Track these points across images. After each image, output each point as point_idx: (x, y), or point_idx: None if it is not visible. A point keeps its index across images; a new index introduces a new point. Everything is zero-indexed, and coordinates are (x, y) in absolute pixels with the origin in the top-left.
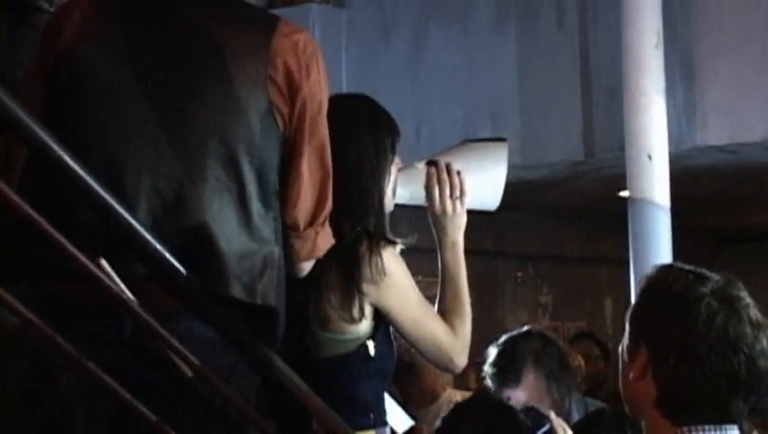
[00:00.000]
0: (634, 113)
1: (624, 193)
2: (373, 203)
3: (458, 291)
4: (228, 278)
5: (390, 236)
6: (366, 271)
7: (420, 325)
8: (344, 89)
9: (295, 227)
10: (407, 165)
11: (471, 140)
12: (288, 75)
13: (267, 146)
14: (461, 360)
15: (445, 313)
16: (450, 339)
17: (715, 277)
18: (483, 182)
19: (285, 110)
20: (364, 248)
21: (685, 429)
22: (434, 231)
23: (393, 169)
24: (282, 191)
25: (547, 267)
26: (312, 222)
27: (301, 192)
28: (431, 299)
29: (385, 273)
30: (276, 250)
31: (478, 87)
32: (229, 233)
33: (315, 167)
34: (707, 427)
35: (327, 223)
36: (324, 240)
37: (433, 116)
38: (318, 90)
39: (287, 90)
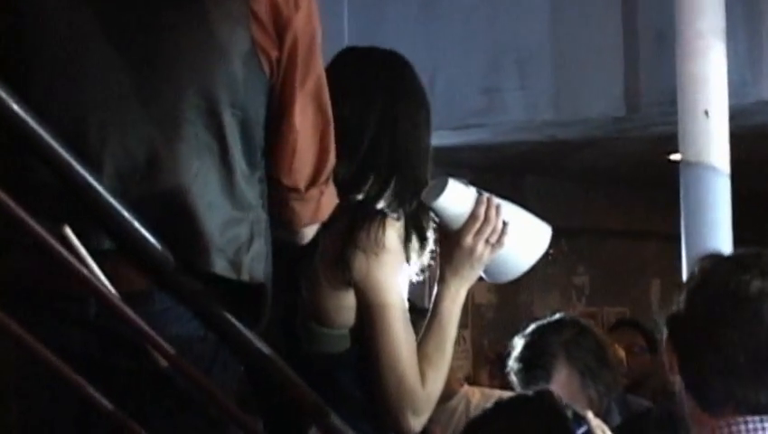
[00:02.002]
0: (688, 60)
1: (675, 156)
2: (383, 173)
3: (443, 344)
4: (209, 252)
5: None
6: (363, 236)
7: (391, 342)
8: (346, 34)
9: (295, 189)
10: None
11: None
12: (274, 8)
13: (252, 94)
14: (418, 421)
15: (422, 359)
16: (417, 385)
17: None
18: (514, 251)
19: (273, 51)
20: (367, 216)
21: (723, 422)
22: (441, 267)
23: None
24: (274, 147)
25: (582, 243)
26: (314, 181)
27: (297, 147)
28: None
29: (384, 246)
30: (264, 217)
31: (502, 30)
32: (210, 199)
33: (312, 116)
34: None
35: (331, 183)
36: (329, 200)
37: (448, 65)
38: (310, 24)
39: (273, 27)
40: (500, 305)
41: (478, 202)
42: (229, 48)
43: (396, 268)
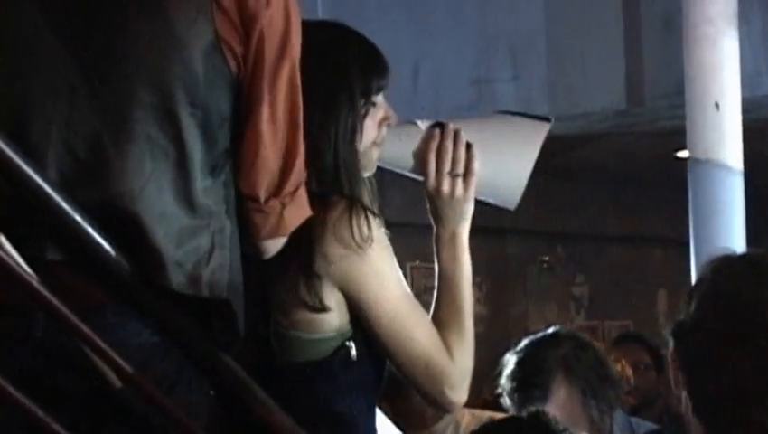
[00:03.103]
0: (697, 48)
1: (683, 153)
2: (345, 164)
3: (457, 302)
4: (164, 265)
5: (370, 207)
6: (343, 233)
7: (403, 330)
8: (319, 16)
9: (254, 198)
10: (403, 121)
11: (506, 112)
12: (240, 0)
13: (214, 92)
14: (458, 394)
15: (440, 330)
16: (444, 361)
17: None
18: (504, 168)
19: (238, 47)
20: (339, 209)
21: None
22: (430, 218)
23: (373, 122)
24: (236, 152)
25: (581, 249)
26: (276, 192)
27: (260, 153)
28: (429, 290)
29: (372, 240)
30: (228, 226)
31: (493, 14)
32: (164, 206)
33: (280, 121)
34: None
35: (301, 193)
36: (295, 214)
37: (435, 53)
38: (281, 20)
39: (240, 20)
40: (490, 318)
41: (427, 137)
42: (189, 40)
43: (389, 257)
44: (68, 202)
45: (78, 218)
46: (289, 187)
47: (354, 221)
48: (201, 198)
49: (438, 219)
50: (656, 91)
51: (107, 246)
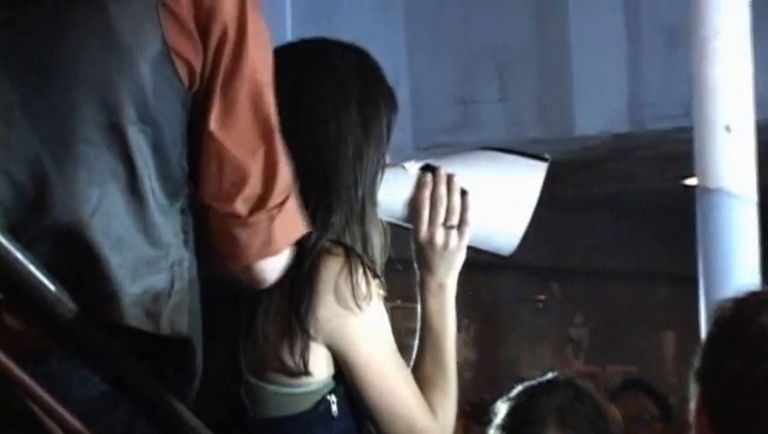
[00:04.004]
0: (704, 64)
1: (691, 181)
2: (356, 206)
3: (444, 358)
4: (119, 300)
5: (374, 263)
6: (344, 291)
7: (388, 389)
8: (289, 30)
9: (233, 213)
10: (388, 163)
11: (494, 149)
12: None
13: (165, 105)
14: None
15: (423, 386)
16: (428, 422)
17: None
18: (500, 215)
19: (192, 54)
20: (340, 262)
21: None
22: (415, 265)
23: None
24: (200, 166)
25: (580, 286)
26: (261, 204)
27: (224, 161)
28: (410, 333)
29: (370, 299)
30: (187, 258)
31: (479, 28)
32: (117, 235)
33: (243, 125)
34: None
35: (291, 206)
36: (287, 228)
37: (417, 68)
38: (241, 14)
39: (194, 20)
40: (479, 363)
41: (420, 184)
42: (134, 49)
43: (382, 312)
44: (4, 236)
45: (12, 250)
46: (275, 198)
47: (354, 279)
48: (158, 225)
49: (426, 267)
50: (660, 112)
51: (50, 284)
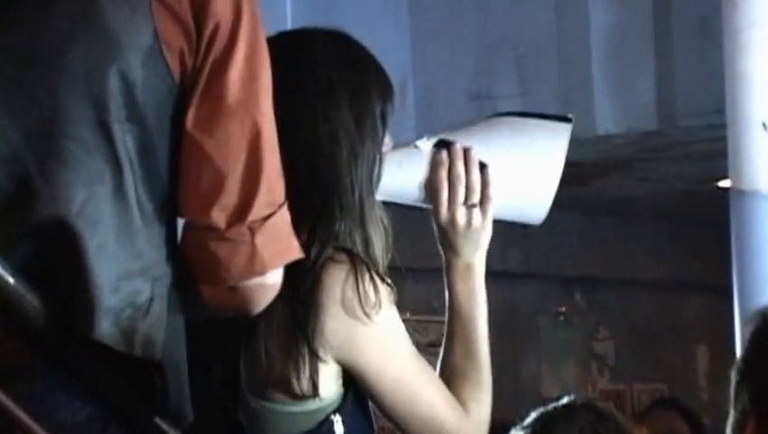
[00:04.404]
0: (739, 57)
1: (725, 183)
2: (354, 208)
3: (475, 345)
4: (94, 311)
5: (381, 266)
6: (351, 301)
7: (411, 395)
8: (289, 18)
9: (210, 225)
10: (399, 143)
11: (511, 114)
12: None
13: (154, 103)
14: None
15: (453, 379)
16: (457, 420)
17: None
18: (524, 184)
19: (183, 45)
20: (344, 270)
21: None
22: (439, 246)
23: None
24: (182, 171)
25: (605, 297)
26: (240, 216)
27: (202, 166)
28: (423, 348)
29: (379, 306)
30: (169, 274)
31: (496, 18)
32: (100, 242)
33: (234, 126)
34: None
35: (278, 222)
36: (275, 245)
37: (428, 62)
38: (235, 6)
39: (189, 11)
40: (496, 380)
41: (435, 162)
42: (124, 41)
43: (394, 316)
44: None
45: None
46: (257, 210)
47: (360, 287)
48: (142, 234)
49: (451, 249)
50: (690, 109)
51: (33, 298)
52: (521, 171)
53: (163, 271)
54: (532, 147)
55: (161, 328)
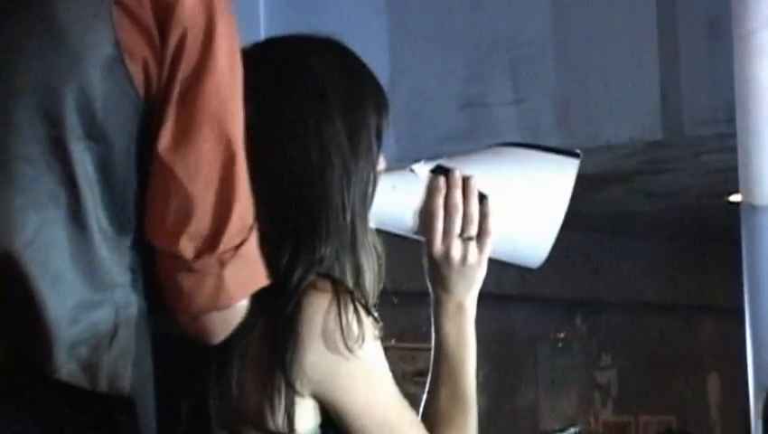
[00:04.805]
0: (751, 60)
1: (737, 197)
2: (345, 232)
3: (460, 390)
4: (52, 348)
5: (369, 296)
6: (334, 334)
7: None
8: (262, 19)
9: (176, 254)
10: (391, 165)
11: (515, 144)
12: None
13: (116, 118)
14: None
15: (437, 425)
16: None
17: None
18: (526, 222)
19: (147, 55)
20: (327, 299)
21: None
22: (428, 283)
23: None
24: (149, 193)
25: (607, 321)
26: (211, 246)
27: (171, 190)
28: (409, 377)
29: (363, 340)
30: (135, 301)
31: (489, 17)
32: (56, 271)
33: (208, 146)
34: None
35: (249, 250)
36: (242, 276)
37: (413, 66)
38: (205, 13)
39: (152, 18)
40: (492, 410)
41: (431, 189)
42: (83, 52)
43: (378, 351)
44: None
45: None
46: (229, 239)
47: (343, 318)
48: (103, 261)
49: (442, 286)
50: (699, 116)
51: None
52: (523, 207)
53: (129, 297)
54: (536, 183)
55: (128, 360)
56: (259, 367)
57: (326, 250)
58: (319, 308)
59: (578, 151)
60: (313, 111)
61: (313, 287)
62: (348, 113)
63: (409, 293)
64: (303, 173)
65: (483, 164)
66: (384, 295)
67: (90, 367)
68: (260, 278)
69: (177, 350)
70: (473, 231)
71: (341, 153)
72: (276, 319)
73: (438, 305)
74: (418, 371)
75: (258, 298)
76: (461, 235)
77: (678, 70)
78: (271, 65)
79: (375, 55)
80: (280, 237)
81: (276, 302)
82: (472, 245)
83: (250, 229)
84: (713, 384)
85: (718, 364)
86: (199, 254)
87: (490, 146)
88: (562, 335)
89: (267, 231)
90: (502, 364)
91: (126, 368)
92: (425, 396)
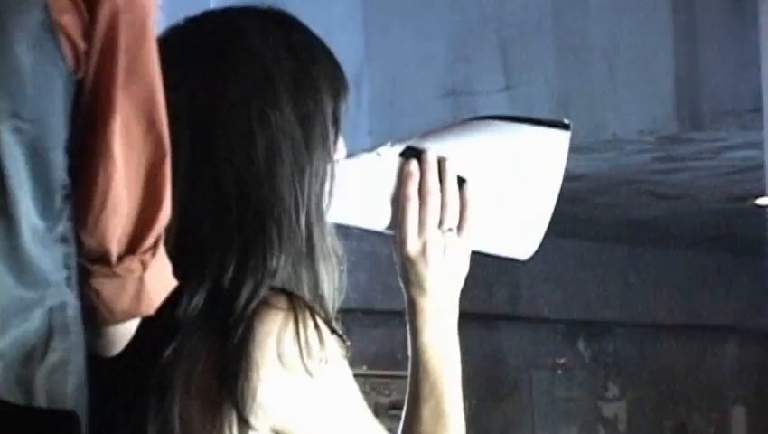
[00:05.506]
0: None
1: (763, 200)
2: (299, 237)
3: (445, 407)
4: None
5: (327, 307)
6: (291, 356)
7: None
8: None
9: (100, 255)
10: (355, 151)
11: (496, 117)
12: None
13: (47, 97)
14: None
15: None
16: None
17: None
18: (514, 205)
19: (74, 27)
20: (281, 316)
21: None
22: (402, 283)
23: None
24: (82, 187)
25: (614, 345)
26: (133, 246)
27: (111, 189)
28: (381, 409)
29: (326, 362)
30: (72, 301)
31: None
32: None
33: (138, 138)
34: None
35: (161, 245)
36: (159, 280)
37: (388, 48)
38: None
39: None
40: None
41: (402, 176)
42: (9, 19)
43: (344, 374)
44: None
45: None
46: (151, 239)
47: (302, 337)
48: (32, 257)
49: (418, 287)
50: (719, 106)
51: None
52: (508, 190)
53: (64, 298)
54: (522, 161)
55: (66, 369)
56: (206, 401)
57: (279, 260)
58: (273, 328)
59: (568, 121)
60: (258, 97)
61: (266, 303)
62: (298, 97)
63: (383, 312)
64: (248, 170)
65: (460, 141)
66: (353, 314)
67: (25, 379)
68: (171, 280)
69: (108, 378)
70: (453, 221)
71: (292, 144)
72: (224, 344)
73: (414, 309)
74: (394, 403)
75: (201, 320)
76: (439, 227)
77: (695, 52)
78: (206, 44)
79: (343, 39)
80: (223, 246)
81: (223, 324)
82: (453, 237)
83: (166, 227)
84: (738, 419)
85: (744, 396)
86: (121, 257)
87: (465, 121)
88: (562, 362)
89: (208, 240)
90: (492, 395)
91: (66, 376)
92: (402, 420)
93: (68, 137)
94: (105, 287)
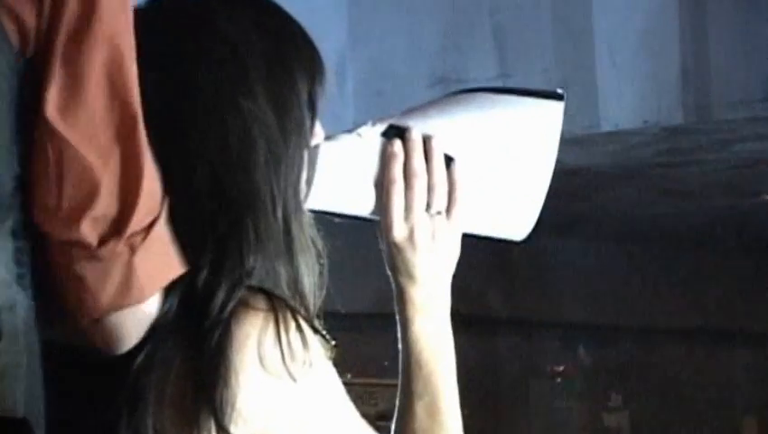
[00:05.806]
0: None
1: None
2: (276, 232)
3: (439, 403)
4: None
5: (308, 306)
6: (271, 360)
7: None
8: None
9: (76, 239)
10: (334, 133)
11: (484, 89)
12: None
13: None
14: None
15: None
16: None
17: None
18: (506, 183)
19: (24, 8)
20: (260, 318)
21: None
22: (389, 271)
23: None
24: (31, 171)
25: (617, 351)
26: (117, 230)
27: (65, 163)
28: (368, 419)
29: (310, 364)
30: (23, 301)
31: None
32: None
33: (99, 107)
34: None
35: (160, 228)
36: (156, 263)
37: (374, 34)
38: None
39: None
40: None
41: (385, 156)
42: None
43: (330, 377)
44: None
45: None
46: (138, 221)
47: (284, 339)
48: None
49: (406, 275)
50: (729, 96)
51: None
52: (500, 167)
53: (14, 298)
54: (514, 134)
55: (18, 373)
56: (182, 410)
57: (256, 258)
58: (253, 331)
59: (561, 91)
60: (229, 83)
61: (244, 304)
62: (271, 81)
63: (369, 315)
64: (220, 162)
65: (446, 117)
66: (337, 319)
67: None
68: (175, 266)
69: (79, 382)
70: (441, 203)
71: (267, 133)
72: (200, 349)
73: (404, 298)
74: (381, 413)
75: (175, 324)
76: (426, 210)
77: (703, 39)
78: (173, 28)
79: (328, 21)
80: (197, 246)
81: (198, 327)
82: (442, 220)
83: (161, 206)
84: (749, 430)
85: (756, 405)
86: (104, 239)
87: (451, 94)
88: (561, 369)
89: (180, 239)
90: (487, 405)
91: (17, 381)
92: (394, 417)
93: (21, 123)
94: (87, 271)
